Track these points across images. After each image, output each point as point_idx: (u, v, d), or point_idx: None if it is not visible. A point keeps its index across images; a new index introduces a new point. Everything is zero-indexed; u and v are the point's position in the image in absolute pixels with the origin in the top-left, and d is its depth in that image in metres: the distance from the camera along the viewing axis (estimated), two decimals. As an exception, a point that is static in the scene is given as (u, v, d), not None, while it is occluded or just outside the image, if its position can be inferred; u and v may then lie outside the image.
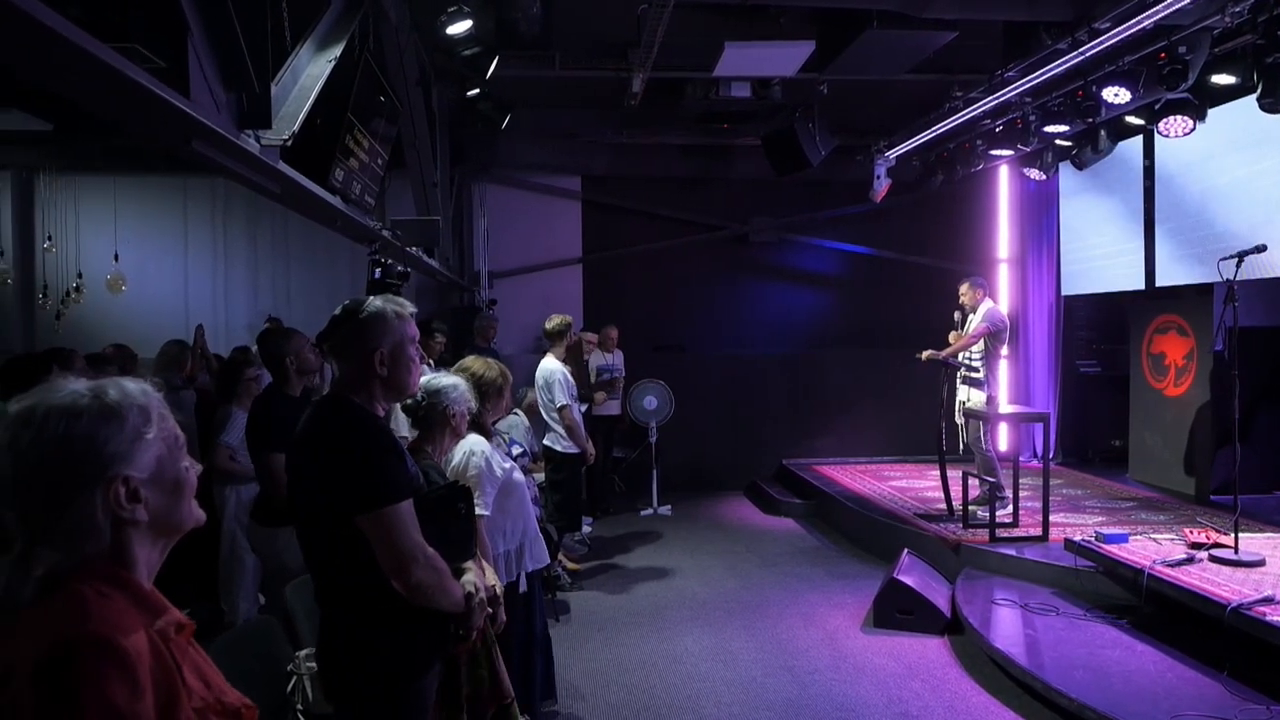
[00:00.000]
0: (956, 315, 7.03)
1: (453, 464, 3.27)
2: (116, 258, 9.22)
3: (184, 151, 2.68)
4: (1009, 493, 6.35)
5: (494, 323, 8.92)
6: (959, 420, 6.96)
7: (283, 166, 3.43)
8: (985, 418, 6.65)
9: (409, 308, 2.33)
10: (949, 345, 6.96)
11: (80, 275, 9.31)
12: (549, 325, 6.43)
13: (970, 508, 6.51)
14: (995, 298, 7.62)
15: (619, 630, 5.42)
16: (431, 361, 6.74)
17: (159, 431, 1.27)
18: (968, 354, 6.82)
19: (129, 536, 1.24)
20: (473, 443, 3.35)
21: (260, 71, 2.88)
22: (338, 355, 2.28)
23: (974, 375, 6.78)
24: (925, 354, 6.88)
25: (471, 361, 3.69)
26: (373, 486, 2.11)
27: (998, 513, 6.14)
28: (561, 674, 4.71)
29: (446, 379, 3.05)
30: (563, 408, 6.17)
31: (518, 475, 3.58)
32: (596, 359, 8.62)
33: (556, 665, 4.83)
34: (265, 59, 2.93)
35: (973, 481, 6.51)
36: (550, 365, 6.29)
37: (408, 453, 2.35)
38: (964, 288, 7.01)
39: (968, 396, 6.86)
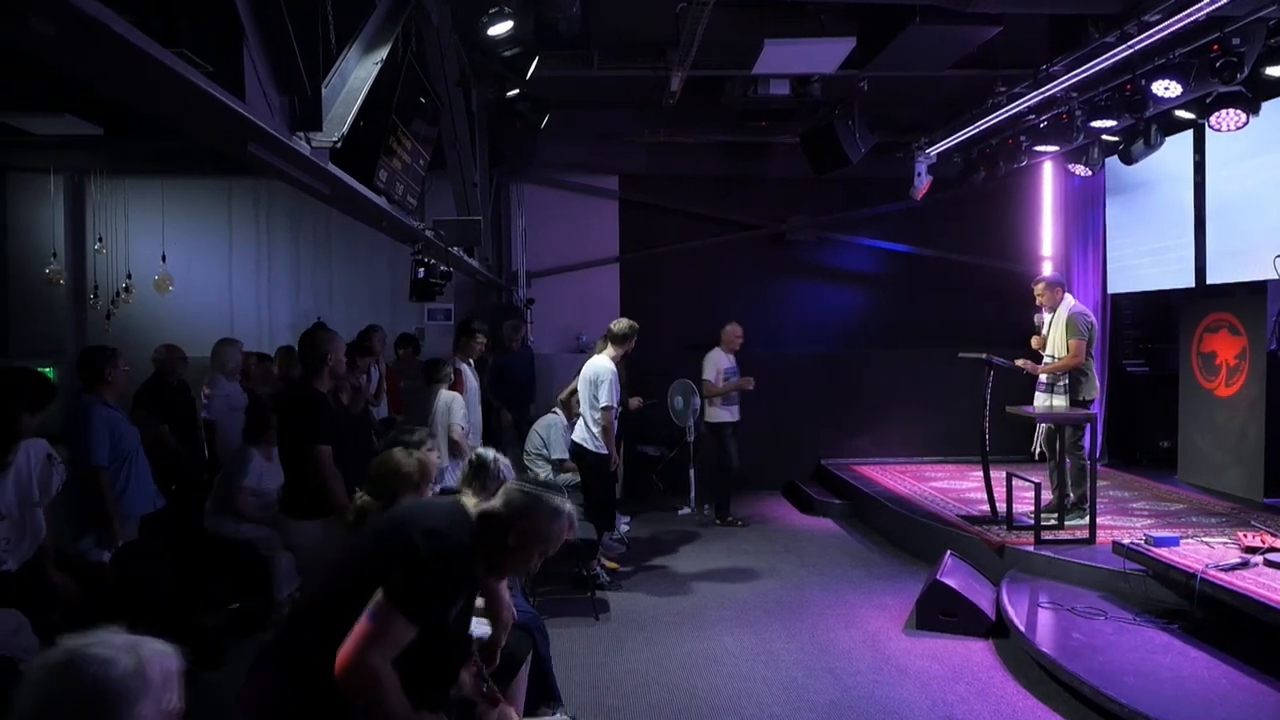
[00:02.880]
0: (1037, 318, 6.67)
1: None
2: (164, 258, 9.43)
3: (240, 154, 2.73)
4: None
5: (522, 328, 8.87)
6: (1040, 428, 6.65)
7: (332, 168, 3.48)
8: (1082, 420, 6.34)
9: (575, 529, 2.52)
10: (1030, 347, 6.71)
11: (129, 276, 9.53)
12: (616, 327, 6.42)
13: (1043, 513, 6.30)
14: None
15: (659, 630, 5.42)
16: (471, 361, 6.81)
17: (167, 704, 1.46)
18: (1049, 357, 6.49)
19: None
20: None
21: (311, 74, 2.92)
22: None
23: (1060, 379, 6.39)
24: (1024, 365, 6.62)
25: (399, 456, 3.48)
26: (409, 590, 2.18)
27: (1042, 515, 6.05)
28: (601, 673, 4.73)
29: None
30: (606, 408, 6.18)
31: None
32: (722, 360, 8.07)
33: (597, 664, 4.87)
34: (316, 62, 2.97)
35: (1018, 484, 6.40)
36: (604, 363, 6.29)
37: (459, 602, 2.40)
38: (1040, 288, 6.61)
39: (1049, 403, 6.45)
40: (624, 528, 7.78)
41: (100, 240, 9.64)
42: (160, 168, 9.64)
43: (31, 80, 6.82)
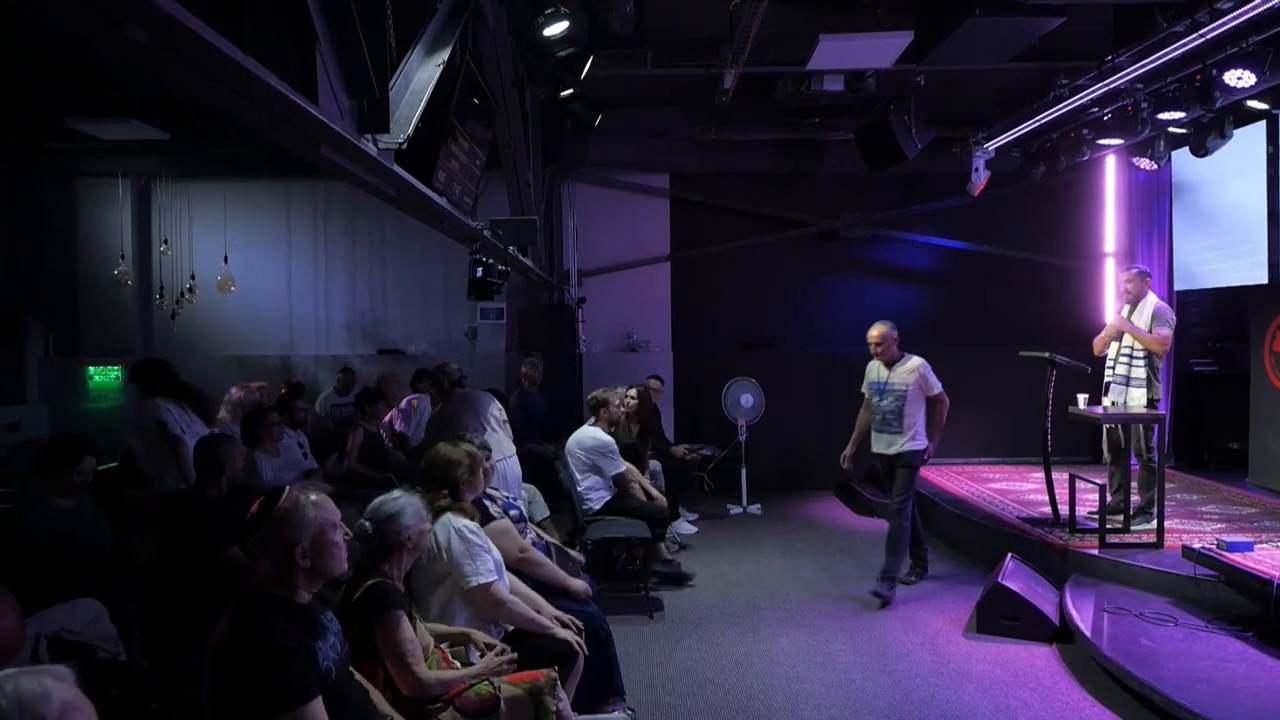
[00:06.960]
0: (1124, 309, 6.33)
1: (439, 541, 3.31)
2: (226, 260, 9.68)
3: (312, 156, 2.79)
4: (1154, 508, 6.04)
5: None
6: (1106, 426, 6.38)
7: (398, 169, 3.54)
8: (1151, 420, 6.09)
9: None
10: (1089, 347, 6.50)
11: (193, 277, 9.80)
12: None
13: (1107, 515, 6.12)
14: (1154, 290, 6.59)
15: (714, 629, 5.41)
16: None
17: None
18: (1130, 349, 6.21)
19: None
20: (448, 520, 3.37)
21: (379, 77, 2.97)
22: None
23: (1138, 374, 6.13)
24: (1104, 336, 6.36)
25: (445, 449, 3.62)
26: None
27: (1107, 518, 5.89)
28: (658, 671, 4.74)
29: (394, 503, 2.94)
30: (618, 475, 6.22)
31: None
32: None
33: (653, 662, 4.88)
34: (383, 66, 3.03)
35: (1081, 485, 6.23)
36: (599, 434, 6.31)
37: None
38: (1129, 275, 6.34)
39: (1123, 400, 6.19)
40: (689, 528, 7.76)
41: (165, 242, 9.94)
42: (222, 171, 9.91)
43: (101, 88, 7.04)
